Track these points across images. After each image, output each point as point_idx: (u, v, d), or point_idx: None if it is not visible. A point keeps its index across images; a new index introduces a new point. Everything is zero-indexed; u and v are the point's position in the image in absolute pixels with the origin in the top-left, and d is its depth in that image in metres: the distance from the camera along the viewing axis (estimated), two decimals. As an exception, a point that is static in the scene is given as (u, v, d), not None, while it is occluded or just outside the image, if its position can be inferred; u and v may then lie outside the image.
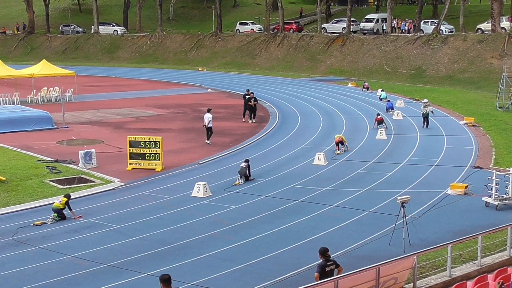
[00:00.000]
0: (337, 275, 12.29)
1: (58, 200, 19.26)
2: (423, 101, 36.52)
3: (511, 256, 15.53)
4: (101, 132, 33.88)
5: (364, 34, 71.22)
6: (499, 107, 41.03)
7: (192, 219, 18.93)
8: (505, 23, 61.04)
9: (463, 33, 62.56)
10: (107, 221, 18.80)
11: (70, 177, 23.89)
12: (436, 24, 65.49)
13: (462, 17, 64.31)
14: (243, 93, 39.30)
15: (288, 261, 15.49)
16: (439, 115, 38.27)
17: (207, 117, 30.75)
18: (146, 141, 25.51)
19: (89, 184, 23.09)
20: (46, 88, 47.25)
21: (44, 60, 51.69)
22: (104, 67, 76.49)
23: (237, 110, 40.64)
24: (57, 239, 17.22)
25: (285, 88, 54.12)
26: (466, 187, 21.45)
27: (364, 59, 66.38)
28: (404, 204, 16.22)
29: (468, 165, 25.61)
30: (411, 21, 72.47)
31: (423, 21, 69.41)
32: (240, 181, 23.18)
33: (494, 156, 27.40)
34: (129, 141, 25.66)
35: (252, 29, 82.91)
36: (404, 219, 16.19)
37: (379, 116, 34.78)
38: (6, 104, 43.03)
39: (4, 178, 22.94)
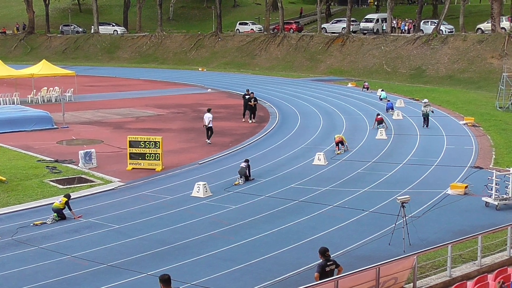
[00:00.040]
0: (337, 275, 12.29)
1: (58, 200, 19.26)
2: (423, 101, 36.51)
3: (511, 256, 15.53)
4: (101, 132, 33.87)
5: (364, 34, 71.19)
6: (499, 107, 41.03)
7: (192, 219, 18.92)
8: (505, 23, 61.04)
9: (463, 33, 62.55)
10: (107, 221, 18.79)
11: (70, 177, 23.89)
12: (436, 24, 65.48)
13: (462, 17, 64.32)
14: (243, 93, 39.31)
15: (288, 261, 15.48)
16: (439, 115, 38.25)
17: (207, 117, 30.75)
18: (146, 141, 25.51)
19: (89, 184, 23.09)
20: (46, 88, 47.23)
21: (44, 60, 51.70)
22: (104, 67, 76.47)
23: (237, 110, 40.62)
24: (57, 239, 17.22)
25: (285, 88, 54.10)
26: (466, 187, 21.44)
27: (364, 59, 66.36)
28: (404, 204, 16.22)
29: (468, 165, 25.60)
30: (411, 21, 72.45)
31: (423, 21, 69.40)
32: (240, 181, 23.18)
33: (494, 156, 27.39)
34: (129, 141, 25.66)
35: (252, 29, 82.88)
36: (404, 219, 16.18)
37: (379, 116, 34.78)
38: (6, 104, 43.01)
39: (4, 178, 22.94)
